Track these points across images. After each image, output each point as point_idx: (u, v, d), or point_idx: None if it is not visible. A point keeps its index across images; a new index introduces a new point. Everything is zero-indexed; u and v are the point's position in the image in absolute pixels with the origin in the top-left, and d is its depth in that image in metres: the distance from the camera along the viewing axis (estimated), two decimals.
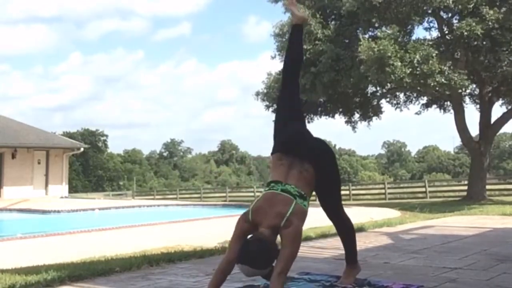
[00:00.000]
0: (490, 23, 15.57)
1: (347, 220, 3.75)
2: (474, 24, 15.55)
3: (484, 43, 16.07)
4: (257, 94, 21.46)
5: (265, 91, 21.14)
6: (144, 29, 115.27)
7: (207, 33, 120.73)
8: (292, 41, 3.88)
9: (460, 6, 16.00)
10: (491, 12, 15.58)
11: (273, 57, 19.72)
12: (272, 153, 3.52)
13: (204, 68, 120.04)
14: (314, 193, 3.53)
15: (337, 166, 3.68)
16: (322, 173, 3.42)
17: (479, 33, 15.47)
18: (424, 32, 42.71)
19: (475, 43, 16.18)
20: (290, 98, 3.71)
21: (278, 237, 3.14)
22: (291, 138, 3.47)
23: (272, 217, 3.11)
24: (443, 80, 15.92)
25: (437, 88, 16.62)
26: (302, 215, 3.19)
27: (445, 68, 15.99)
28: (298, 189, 3.24)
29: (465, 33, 15.65)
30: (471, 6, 15.87)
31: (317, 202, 3.70)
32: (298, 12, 3.89)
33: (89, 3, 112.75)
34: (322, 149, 3.57)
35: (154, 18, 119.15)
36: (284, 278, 3.04)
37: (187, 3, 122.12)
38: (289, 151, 3.40)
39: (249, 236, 3.13)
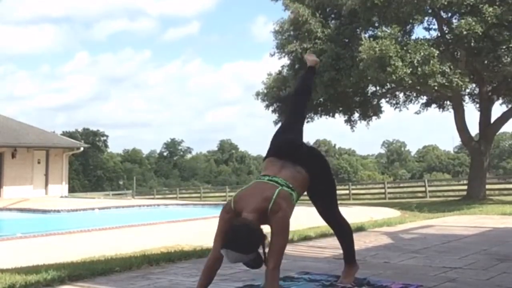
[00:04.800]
0: (489, 19, 15.53)
1: (344, 222, 3.77)
2: (473, 23, 15.54)
3: (484, 43, 16.04)
4: (257, 94, 21.48)
5: (265, 91, 21.16)
6: (153, 29, 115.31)
7: (216, 33, 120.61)
8: (305, 77, 4.18)
9: (458, 3, 15.99)
10: (490, 9, 15.57)
11: (272, 55, 19.76)
12: (264, 158, 3.60)
13: (209, 68, 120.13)
14: (306, 198, 3.61)
15: (330, 169, 3.74)
16: (315, 176, 3.46)
17: (479, 31, 15.46)
18: (424, 32, 42.67)
19: (475, 43, 16.15)
20: (295, 118, 3.89)
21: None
22: (284, 144, 3.57)
23: (257, 201, 3.09)
24: (444, 81, 15.92)
25: (436, 88, 16.59)
26: (289, 199, 3.18)
27: (445, 68, 15.97)
28: (287, 182, 3.27)
29: (464, 32, 15.65)
30: (470, 3, 15.85)
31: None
32: (313, 57, 4.18)
33: (98, 3, 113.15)
34: (314, 153, 3.68)
35: (163, 18, 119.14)
36: (278, 271, 3.04)
37: (197, 2, 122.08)
38: (281, 155, 3.47)
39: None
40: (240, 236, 2.94)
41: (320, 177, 3.54)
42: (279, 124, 22.35)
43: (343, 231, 3.77)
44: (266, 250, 3.11)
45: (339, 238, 3.81)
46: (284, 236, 3.09)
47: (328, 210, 3.71)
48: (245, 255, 2.95)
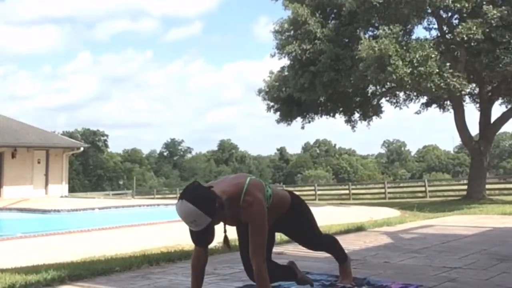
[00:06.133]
0: (492, 22, 15.50)
1: (326, 241, 3.77)
2: (474, 27, 15.53)
3: (484, 45, 16.00)
4: (259, 91, 21.52)
5: (266, 89, 21.18)
6: (155, 29, 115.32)
7: (217, 33, 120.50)
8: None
9: (459, 5, 15.97)
10: (494, 11, 15.54)
11: (272, 55, 19.77)
12: None
13: (210, 68, 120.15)
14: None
15: (310, 212, 3.62)
16: (294, 206, 3.42)
17: (479, 37, 15.46)
18: (424, 32, 42.70)
19: (475, 45, 16.12)
20: None
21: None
22: None
23: (227, 185, 3.03)
24: (441, 83, 15.91)
25: (434, 90, 16.55)
26: (262, 188, 3.12)
27: (444, 70, 15.94)
28: (265, 183, 3.25)
29: (465, 38, 15.65)
30: (470, 6, 15.85)
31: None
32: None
33: (100, 4, 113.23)
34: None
35: (165, 18, 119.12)
36: (265, 267, 2.98)
37: (199, 2, 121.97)
38: None
39: None
40: (200, 192, 2.85)
41: (298, 212, 3.48)
42: (281, 124, 22.17)
43: (330, 246, 3.76)
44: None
45: (328, 252, 3.82)
46: (264, 233, 3.00)
47: (312, 241, 3.67)
48: (198, 211, 2.75)
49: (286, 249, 5.40)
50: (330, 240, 3.81)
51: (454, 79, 16.07)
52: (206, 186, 2.97)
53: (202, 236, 2.92)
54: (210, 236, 2.94)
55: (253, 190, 3.03)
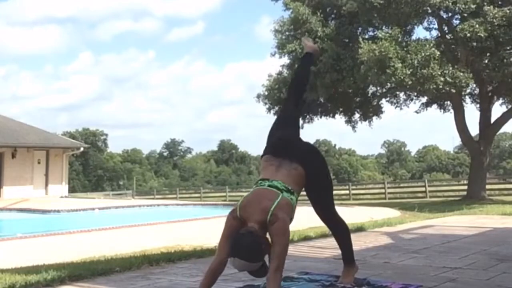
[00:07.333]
0: (494, 21, 15.49)
1: (340, 222, 3.77)
2: (477, 25, 15.52)
3: (488, 44, 15.96)
4: (258, 96, 21.47)
5: (266, 93, 21.14)
6: (158, 29, 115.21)
7: (220, 33, 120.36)
8: (302, 65, 4.27)
9: (463, 6, 15.96)
10: (495, 11, 15.52)
11: (272, 55, 19.77)
12: (262, 156, 3.60)
13: (212, 68, 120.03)
14: (307, 198, 3.60)
15: (327, 167, 3.73)
16: (312, 173, 3.46)
17: (482, 35, 15.44)
18: (424, 32, 42.68)
19: (478, 44, 16.09)
20: (290, 109, 3.93)
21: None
22: (280, 141, 3.56)
23: (258, 213, 3.13)
24: (447, 78, 15.85)
25: (440, 87, 16.45)
26: (288, 207, 3.20)
27: (447, 69, 15.91)
28: (286, 184, 3.29)
29: (468, 35, 15.62)
30: (474, 6, 15.85)
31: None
32: (310, 43, 4.23)
33: (103, 4, 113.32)
34: (311, 149, 3.68)
35: (167, 18, 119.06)
36: (280, 274, 3.06)
37: (202, 2, 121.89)
38: (278, 153, 3.48)
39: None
40: (246, 245, 2.99)
41: (317, 173, 3.54)
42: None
43: (341, 231, 3.77)
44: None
45: (337, 238, 3.81)
46: (283, 242, 3.11)
47: (326, 210, 3.70)
48: (251, 264, 3.01)
49: None
50: (344, 225, 3.80)
51: (460, 73, 16.02)
52: (249, 232, 3.04)
53: (258, 271, 3.11)
54: (266, 268, 3.10)
55: (277, 212, 3.12)
